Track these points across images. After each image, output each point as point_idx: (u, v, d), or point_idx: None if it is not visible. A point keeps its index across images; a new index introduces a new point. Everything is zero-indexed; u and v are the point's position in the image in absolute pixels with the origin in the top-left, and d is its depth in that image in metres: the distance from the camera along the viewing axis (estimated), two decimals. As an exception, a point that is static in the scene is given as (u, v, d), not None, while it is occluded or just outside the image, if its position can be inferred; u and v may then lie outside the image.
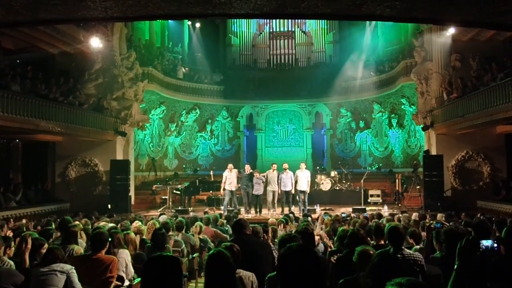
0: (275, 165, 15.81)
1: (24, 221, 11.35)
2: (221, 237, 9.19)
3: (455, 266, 2.68)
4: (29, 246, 5.16)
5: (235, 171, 15.75)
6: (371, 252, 3.94)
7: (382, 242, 5.53)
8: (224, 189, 15.58)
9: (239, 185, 15.76)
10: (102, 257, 5.13)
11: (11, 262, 5.14)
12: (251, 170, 15.89)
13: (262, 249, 5.29)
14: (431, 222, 8.65)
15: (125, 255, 5.65)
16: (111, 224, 8.51)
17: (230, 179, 15.47)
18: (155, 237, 6.62)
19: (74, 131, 16.05)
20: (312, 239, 5.38)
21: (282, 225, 9.12)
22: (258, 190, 15.39)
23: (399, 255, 4.60)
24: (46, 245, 5.38)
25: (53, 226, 8.14)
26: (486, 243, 3.26)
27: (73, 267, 4.71)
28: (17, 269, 5.01)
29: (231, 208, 15.29)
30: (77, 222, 8.28)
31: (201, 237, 8.77)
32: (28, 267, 5.04)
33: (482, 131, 16.66)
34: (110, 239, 5.64)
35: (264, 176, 15.53)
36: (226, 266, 3.18)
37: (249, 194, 15.50)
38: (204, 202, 18.99)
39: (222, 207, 16.42)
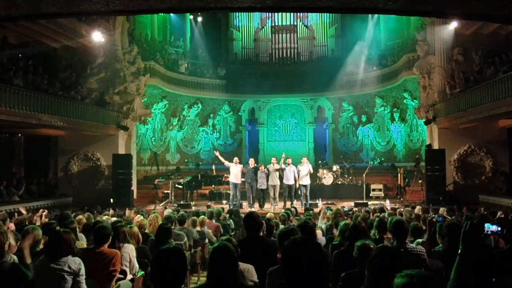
0: (274, 159, 15.80)
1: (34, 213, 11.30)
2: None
3: (459, 251, 2.69)
4: (30, 241, 5.11)
5: (240, 166, 15.74)
6: (371, 246, 3.93)
7: (385, 236, 5.54)
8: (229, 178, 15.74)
9: (243, 179, 15.76)
10: (105, 250, 5.14)
11: (14, 257, 5.10)
12: (255, 164, 15.88)
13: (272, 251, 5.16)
14: (433, 216, 8.66)
15: (129, 250, 5.65)
16: (114, 218, 8.54)
17: (234, 172, 15.46)
18: (160, 231, 6.65)
19: (77, 126, 16.08)
20: (312, 233, 5.38)
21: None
22: (262, 184, 15.40)
23: (402, 249, 4.62)
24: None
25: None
26: (491, 227, 3.28)
27: (82, 267, 4.61)
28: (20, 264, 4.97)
29: (234, 202, 15.36)
30: (80, 217, 8.31)
31: (199, 229, 8.80)
32: (30, 263, 4.92)
33: (484, 125, 16.62)
34: (115, 233, 5.66)
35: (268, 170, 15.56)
36: (230, 259, 3.19)
37: (253, 188, 15.49)
38: (206, 197, 19.00)
39: (224, 201, 16.54)
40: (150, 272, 2.91)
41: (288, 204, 15.38)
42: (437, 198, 15.86)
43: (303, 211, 12.34)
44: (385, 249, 2.99)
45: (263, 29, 26.26)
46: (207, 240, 8.66)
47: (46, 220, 8.17)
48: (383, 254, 2.86)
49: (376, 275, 2.76)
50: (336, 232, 7.48)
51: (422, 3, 4.23)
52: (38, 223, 8.02)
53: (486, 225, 3.25)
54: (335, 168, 20.46)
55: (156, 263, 2.91)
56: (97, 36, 16.85)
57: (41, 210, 9.33)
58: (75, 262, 4.60)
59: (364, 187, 17.64)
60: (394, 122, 22.66)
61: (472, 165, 17.46)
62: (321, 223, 9.64)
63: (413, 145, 21.75)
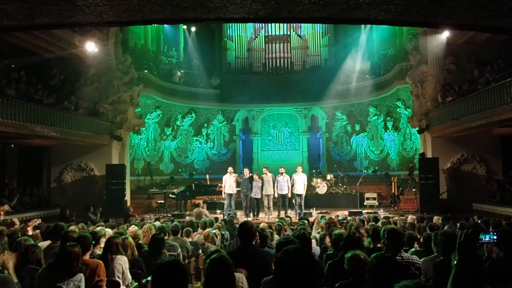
0: (265, 169, 15.76)
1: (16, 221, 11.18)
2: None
3: (455, 262, 2.68)
4: (15, 260, 4.96)
5: (234, 175, 15.74)
6: (362, 256, 3.90)
7: (379, 245, 5.52)
8: (224, 192, 15.62)
9: (238, 188, 15.74)
10: (88, 261, 5.04)
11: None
12: (250, 174, 15.87)
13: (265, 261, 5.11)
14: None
15: (122, 262, 5.60)
16: (108, 229, 8.48)
17: (229, 182, 15.45)
18: (153, 242, 6.60)
19: (70, 136, 15.99)
20: (308, 243, 5.36)
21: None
22: (256, 193, 15.37)
23: (398, 258, 4.59)
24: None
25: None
26: (486, 237, 3.28)
27: (83, 284, 4.55)
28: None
29: (228, 212, 15.32)
30: (73, 227, 8.25)
31: (192, 239, 8.76)
32: (16, 282, 4.76)
33: (477, 133, 16.67)
34: (107, 245, 5.60)
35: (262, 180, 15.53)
36: (228, 271, 3.16)
37: (248, 198, 15.47)
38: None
39: (219, 211, 16.45)
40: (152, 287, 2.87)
41: (282, 213, 15.36)
42: (431, 207, 15.88)
43: (297, 220, 12.31)
44: (384, 258, 2.97)
45: (257, 39, 26.35)
46: (200, 251, 8.61)
47: (37, 231, 8.09)
48: (383, 263, 2.85)
49: (377, 285, 2.75)
50: (328, 241, 7.42)
51: (414, 13, 4.26)
52: (30, 233, 7.97)
53: (481, 235, 3.26)
54: (329, 177, 20.48)
55: (157, 278, 2.85)
56: (91, 47, 16.84)
57: (34, 220, 9.24)
58: (77, 280, 4.56)
59: (358, 196, 17.69)
60: (388, 131, 22.75)
61: (466, 174, 17.52)
62: (315, 233, 9.62)
63: (407, 154, 21.82)
